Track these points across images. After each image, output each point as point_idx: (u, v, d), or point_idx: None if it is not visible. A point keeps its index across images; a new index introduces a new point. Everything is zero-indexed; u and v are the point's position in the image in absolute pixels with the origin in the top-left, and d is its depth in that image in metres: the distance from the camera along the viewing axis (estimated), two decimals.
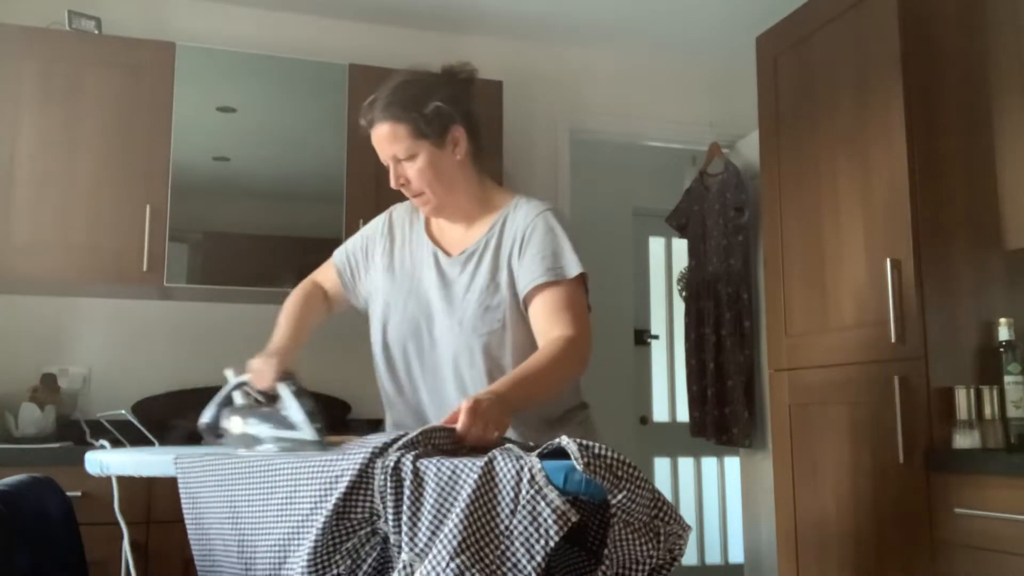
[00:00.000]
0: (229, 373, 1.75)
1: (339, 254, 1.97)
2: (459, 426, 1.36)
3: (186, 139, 2.97)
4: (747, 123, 3.60)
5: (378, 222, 1.96)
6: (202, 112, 3.02)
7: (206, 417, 1.72)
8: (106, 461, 1.58)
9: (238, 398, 1.72)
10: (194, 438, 2.66)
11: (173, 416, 3.03)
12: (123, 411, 2.50)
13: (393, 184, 1.78)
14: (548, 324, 1.67)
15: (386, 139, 1.73)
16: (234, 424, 1.68)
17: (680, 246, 4.38)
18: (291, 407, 1.61)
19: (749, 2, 3.36)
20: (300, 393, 1.62)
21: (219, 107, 3.05)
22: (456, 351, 1.74)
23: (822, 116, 2.67)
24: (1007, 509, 1.97)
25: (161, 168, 2.94)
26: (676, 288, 4.87)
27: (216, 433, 1.71)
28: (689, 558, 5.05)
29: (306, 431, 1.57)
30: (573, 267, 1.70)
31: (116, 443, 2.31)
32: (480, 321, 1.71)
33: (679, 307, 4.63)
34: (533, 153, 3.70)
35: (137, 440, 2.40)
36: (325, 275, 1.98)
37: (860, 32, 2.52)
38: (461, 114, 1.76)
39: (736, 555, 4.80)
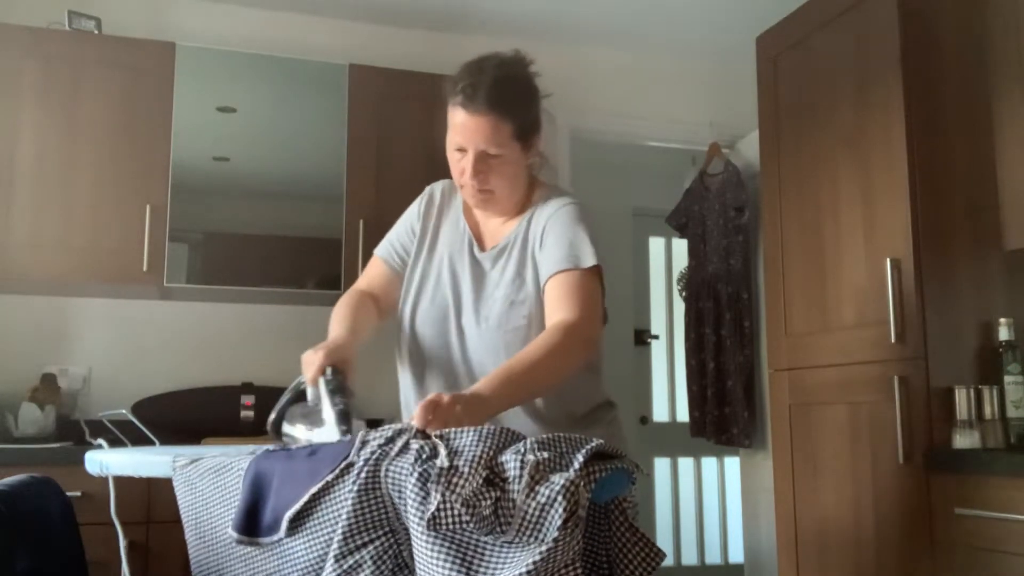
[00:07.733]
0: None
1: (382, 247, 1.87)
2: (415, 422, 1.29)
3: (186, 139, 2.97)
4: (747, 123, 3.60)
5: (415, 204, 1.87)
6: (202, 112, 3.02)
7: (272, 416, 1.63)
8: (106, 461, 1.57)
9: (309, 395, 1.60)
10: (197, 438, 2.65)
11: (173, 416, 3.03)
12: (124, 410, 2.49)
13: (467, 175, 1.67)
14: (552, 310, 1.61)
15: (485, 132, 1.64)
16: (287, 425, 1.58)
17: (680, 246, 4.38)
18: (324, 405, 1.51)
19: (749, 2, 3.36)
20: (336, 390, 1.50)
21: (219, 107, 3.05)
22: (481, 349, 1.68)
23: (822, 116, 2.66)
24: (1007, 509, 1.97)
25: (161, 168, 2.94)
26: (676, 288, 4.87)
27: (279, 434, 1.61)
28: (689, 558, 5.05)
29: (331, 431, 1.47)
30: (589, 258, 1.64)
31: (117, 443, 2.31)
32: (505, 317, 1.66)
33: (679, 307, 4.63)
34: None
35: (138, 440, 2.40)
36: (369, 277, 1.87)
37: (860, 32, 2.51)
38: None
39: (736, 555, 4.80)
